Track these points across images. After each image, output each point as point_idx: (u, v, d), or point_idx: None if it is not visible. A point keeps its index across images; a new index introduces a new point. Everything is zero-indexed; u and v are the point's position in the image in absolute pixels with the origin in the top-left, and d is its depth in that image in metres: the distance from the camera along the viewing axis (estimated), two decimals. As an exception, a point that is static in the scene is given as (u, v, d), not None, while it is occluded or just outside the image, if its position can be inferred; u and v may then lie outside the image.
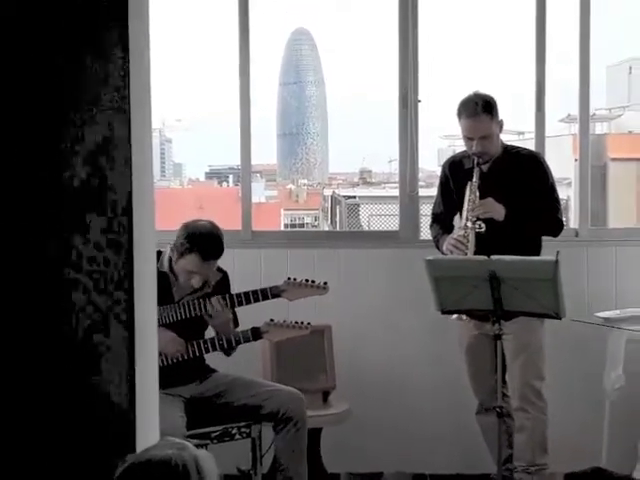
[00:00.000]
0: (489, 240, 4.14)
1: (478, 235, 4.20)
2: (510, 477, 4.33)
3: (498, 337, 3.92)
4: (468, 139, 4.32)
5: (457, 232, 4.31)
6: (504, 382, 4.36)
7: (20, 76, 2.43)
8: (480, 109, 4.27)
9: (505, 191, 4.27)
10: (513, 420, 4.34)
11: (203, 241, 4.09)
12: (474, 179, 4.28)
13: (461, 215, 4.32)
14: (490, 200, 4.23)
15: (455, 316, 4.19)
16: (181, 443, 2.00)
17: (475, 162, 4.29)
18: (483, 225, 4.21)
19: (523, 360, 4.23)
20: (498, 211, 4.22)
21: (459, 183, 4.37)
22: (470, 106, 4.30)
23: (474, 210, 4.23)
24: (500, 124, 4.35)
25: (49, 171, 2.44)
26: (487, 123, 4.28)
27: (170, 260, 4.17)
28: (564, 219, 4.46)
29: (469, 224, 4.23)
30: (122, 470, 1.96)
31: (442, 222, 4.51)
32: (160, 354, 4.04)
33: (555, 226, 4.36)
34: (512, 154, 4.42)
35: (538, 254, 4.27)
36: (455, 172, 4.46)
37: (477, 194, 4.25)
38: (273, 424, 4.15)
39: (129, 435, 2.45)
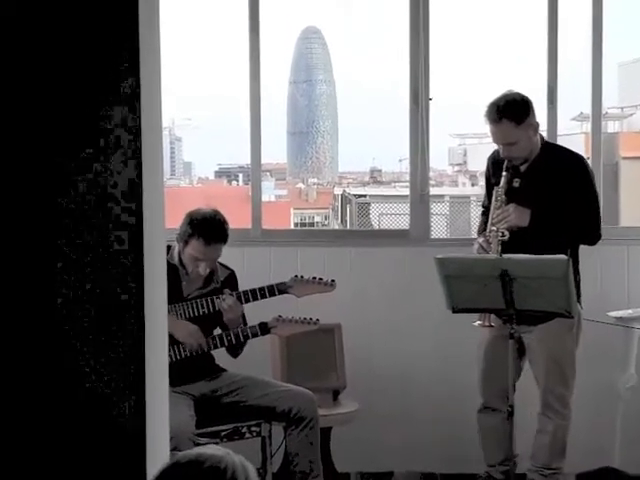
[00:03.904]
0: (518, 244, 4.02)
1: (503, 241, 4.10)
2: (506, 474, 4.32)
3: (511, 336, 3.89)
4: (495, 142, 4.27)
5: (482, 236, 4.25)
6: (513, 387, 4.35)
7: (30, 71, 2.43)
8: (502, 115, 4.14)
9: (542, 191, 4.16)
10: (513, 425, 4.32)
11: (204, 225, 4.11)
12: (501, 184, 4.18)
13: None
14: (511, 207, 4.13)
15: (478, 322, 4.13)
16: (226, 449, 1.96)
17: (505, 166, 4.18)
18: (507, 233, 4.11)
19: (548, 366, 4.18)
20: (520, 217, 4.12)
21: (497, 179, 4.25)
22: (492, 112, 4.18)
23: (496, 218, 4.15)
24: (534, 126, 4.20)
25: (57, 172, 2.43)
26: (510, 130, 4.14)
27: (179, 253, 4.18)
28: (601, 228, 4.27)
29: (493, 229, 4.16)
30: (167, 466, 1.91)
31: (486, 216, 4.39)
32: (179, 345, 4.07)
33: (591, 234, 4.21)
34: (554, 153, 4.30)
35: (576, 262, 4.14)
36: (496, 168, 4.34)
37: (503, 199, 4.15)
38: (285, 424, 4.15)
39: (138, 444, 2.45)
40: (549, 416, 4.22)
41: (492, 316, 4.09)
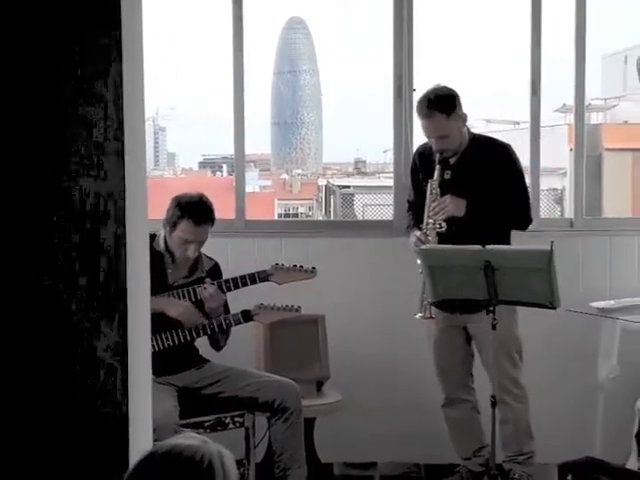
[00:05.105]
0: (454, 235, 4.12)
1: (440, 232, 4.19)
2: (485, 465, 4.37)
3: (493, 327, 3.90)
4: (428, 136, 4.31)
5: (420, 230, 4.30)
6: (471, 375, 4.42)
7: (15, 68, 2.42)
8: (433, 109, 4.20)
9: (473, 182, 4.24)
10: (479, 413, 4.40)
11: (193, 206, 4.15)
12: (434, 176, 4.24)
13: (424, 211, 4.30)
14: (447, 198, 4.20)
15: (419, 315, 4.19)
16: (204, 438, 1.97)
17: (437, 159, 4.25)
18: (444, 224, 4.19)
19: (497, 352, 4.19)
20: (457, 207, 4.20)
21: (427, 173, 4.33)
22: (423, 106, 4.25)
23: (433, 210, 4.21)
24: (462, 117, 4.28)
25: (38, 168, 2.43)
26: (442, 122, 4.21)
27: (165, 239, 4.18)
28: (531, 213, 4.41)
29: (430, 221, 4.22)
30: (144, 457, 1.92)
31: (415, 210, 4.49)
32: (163, 334, 4.07)
33: (522, 219, 4.33)
34: (481, 144, 4.38)
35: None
36: (423, 162, 4.43)
37: (438, 191, 4.23)
38: (268, 414, 4.16)
39: (121, 434, 2.45)
40: (507, 402, 4.27)
41: (432, 308, 4.14)
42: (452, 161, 4.31)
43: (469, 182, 4.24)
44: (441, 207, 4.20)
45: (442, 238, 4.17)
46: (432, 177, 4.25)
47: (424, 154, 4.44)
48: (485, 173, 4.25)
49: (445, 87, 4.30)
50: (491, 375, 4.16)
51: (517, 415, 4.30)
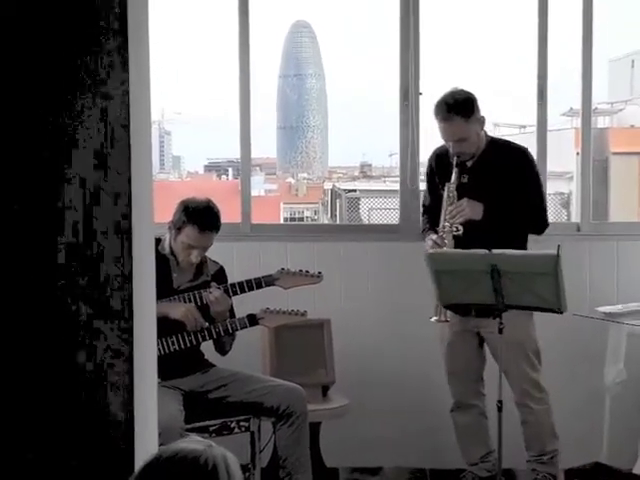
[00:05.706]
0: (470, 238, 4.11)
1: (457, 236, 4.18)
2: (491, 471, 4.37)
3: (500, 331, 3.89)
4: (446, 140, 4.30)
5: (436, 233, 4.29)
6: (482, 380, 4.41)
7: (20, 68, 2.42)
8: (452, 112, 4.19)
9: (490, 185, 4.23)
10: (487, 418, 4.40)
11: (200, 213, 4.14)
12: (452, 180, 4.23)
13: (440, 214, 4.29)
14: (464, 202, 4.19)
15: (434, 318, 4.18)
16: (208, 442, 1.97)
17: (454, 162, 4.24)
18: (461, 228, 4.18)
19: (516, 355, 4.20)
20: (474, 211, 4.19)
21: (443, 177, 4.32)
22: (442, 109, 4.23)
23: (450, 213, 4.20)
24: (480, 121, 4.27)
25: (45, 168, 2.42)
26: (461, 126, 4.20)
27: (170, 243, 4.18)
28: (548, 218, 4.41)
29: (447, 224, 4.21)
30: (149, 461, 1.92)
31: (430, 214, 4.49)
32: (169, 338, 4.06)
33: (539, 223, 4.34)
34: (499, 147, 4.37)
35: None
36: (440, 165, 4.42)
37: (455, 194, 4.22)
38: (274, 419, 4.15)
39: (127, 438, 2.44)
40: (529, 405, 4.28)
41: (448, 312, 4.13)
42: (469, 164, 4.30)
43: (486, 185, 4.23)
44: (458, 210, 4.18)
45: (458, 241, 4.16)
46: (448, 180, 4.24)
47: (440, 157, 4.43)
48: (502, 176, 4.24)
49: (463, 90, 4.29)
50: (510, 380, 4.16)
51: (538, 417, 4.30)
